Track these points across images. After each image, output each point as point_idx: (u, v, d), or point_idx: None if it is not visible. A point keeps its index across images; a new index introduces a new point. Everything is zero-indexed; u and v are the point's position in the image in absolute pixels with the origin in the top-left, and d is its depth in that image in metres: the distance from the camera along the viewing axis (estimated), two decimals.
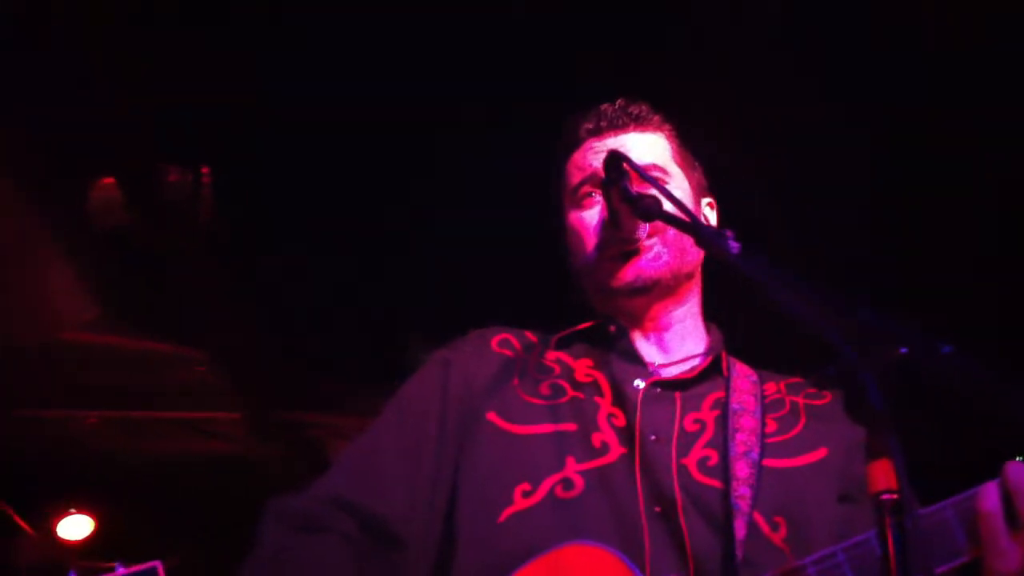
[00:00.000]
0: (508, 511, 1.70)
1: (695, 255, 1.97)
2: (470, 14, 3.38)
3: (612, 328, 1.95)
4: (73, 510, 5.80)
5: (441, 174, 3.96)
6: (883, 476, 1.21)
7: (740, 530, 1.63)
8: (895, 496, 1.20)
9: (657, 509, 1.66)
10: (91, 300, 4.45)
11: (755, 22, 3.38)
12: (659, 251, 1.90)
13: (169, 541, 5.26)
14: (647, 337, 1.95)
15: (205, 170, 4.21)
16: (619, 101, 2.04)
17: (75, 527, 5.84)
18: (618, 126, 2.01)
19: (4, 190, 3.84)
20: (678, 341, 1.96)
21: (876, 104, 3.55)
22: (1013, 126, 3.45)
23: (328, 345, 4.67)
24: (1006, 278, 3.89)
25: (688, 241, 1.88)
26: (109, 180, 4.11)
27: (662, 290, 1.93)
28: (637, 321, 1.96)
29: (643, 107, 2.04)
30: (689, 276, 1.98)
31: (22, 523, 5.54)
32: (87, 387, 5.03)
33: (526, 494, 1.71)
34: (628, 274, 1.90)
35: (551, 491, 1.70)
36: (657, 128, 2.04)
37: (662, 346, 1.95)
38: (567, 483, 1.71)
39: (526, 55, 3.46)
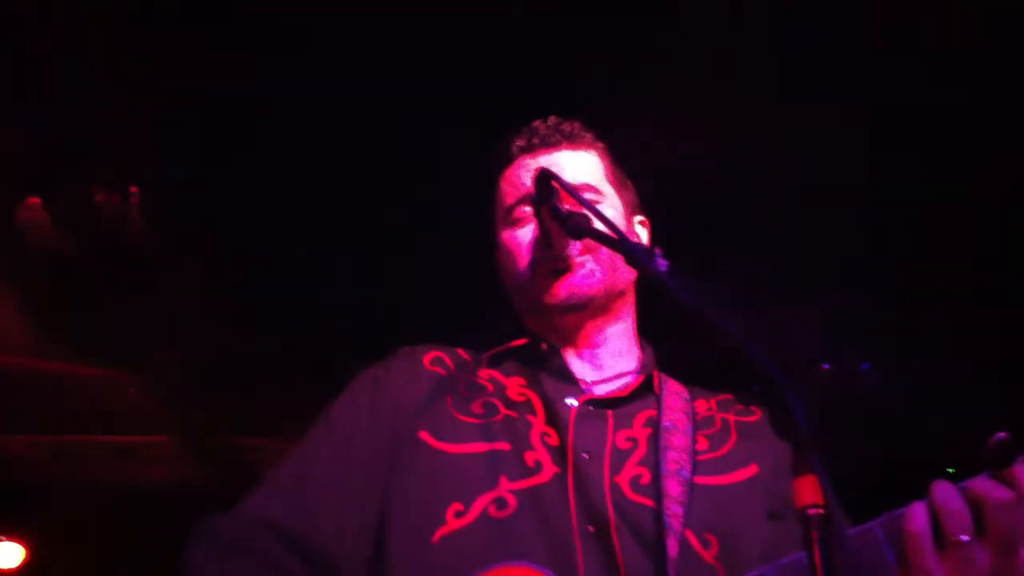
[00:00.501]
0: (441, 531, 1.68)
1: (628, 273, 1.97)
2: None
3: (544, 346, 1.95)
4: (2, 537, 5.68)
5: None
6: (809, 491, 1.22)
7: (672, 548, 1.62)
8: (821, 511, 1.21)
9: (591, 528, 1.66)
10: (20, 322, 4.37)
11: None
12: (591, 268, 1.91)
13: (102, 567, 5.16)
14: (580, 355, 1.95)
15: (134, 189, 4.16)
16: (551, 118, 2.05)
17: (5, 554, 5.72)
18: (550, 144, 2.02)
19: None
20: (611, 359, 1.96)
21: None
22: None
23: (263, 367, 4.62)
24: (1006, 280, 3.92)
25: (620, 259, 1.89)
26: (35, 200, 4.05)
27: (595, 308, 1.93)
28: (570, 339, 1.95)
29: (576, 125, 2.05)
30: (622, 293, 1.98)
31: None
32: (17, 411, 4.93)
33: (458, 514, 1.69)
34: (561, 291, 1.90)
35: (484, 511, 1.68)
36: (589, 146, 2.05)
37: (595, 364, 1.95)
38: (500, 502, 1.69)
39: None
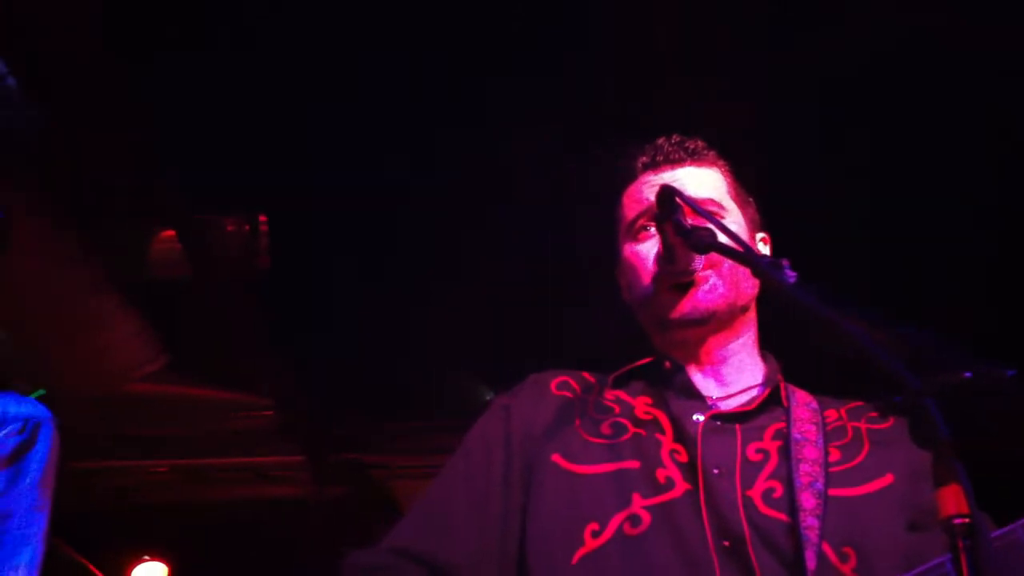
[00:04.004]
0: (580, 552, 1.71)
1: (750, 287, 1.98)
2: None
3: (668, 364, 1.96)
4: (147, 557, 5.89)
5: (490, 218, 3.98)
6: (953, 501, 1.21)
7: (810, 562, 1.62)
8: (967, 520, 1.19)
9: (726, 543, 1.66)
10: (155, 351, 4.54)
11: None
12: (714, 283, 1.91)
13: None
14: (704, 371, 1.96)
15: (263, 218, 4.30)
16: (675, 136, 2.07)
17: (150, 574, 5.93)
18: (673, 160, 2.04)
19: (67, 244, 3.95)
20: (735, 373, 1.96)
21: None
22: None
23: (386, 387, 4.71)
24: None
25: (743, 273, 1.90)
26: (169, 233, 4.21)
27: (718, 322, 1.94)
28: (693, 355, 1.97)
29: (699, 143, 2.07)
30: (744, 308, 1.99)
31: (98, 573, 5.61)
32: (154, 437, 5.11)
33: (595, 534, 1.71)
34: (684, 306, 1.91)
35: (619, 529, 1.71)
36: (712, 164, 2.07)
37: (719, 379, 1.96)
38: (634, 520, 1.71)
39: None
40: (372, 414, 4.98)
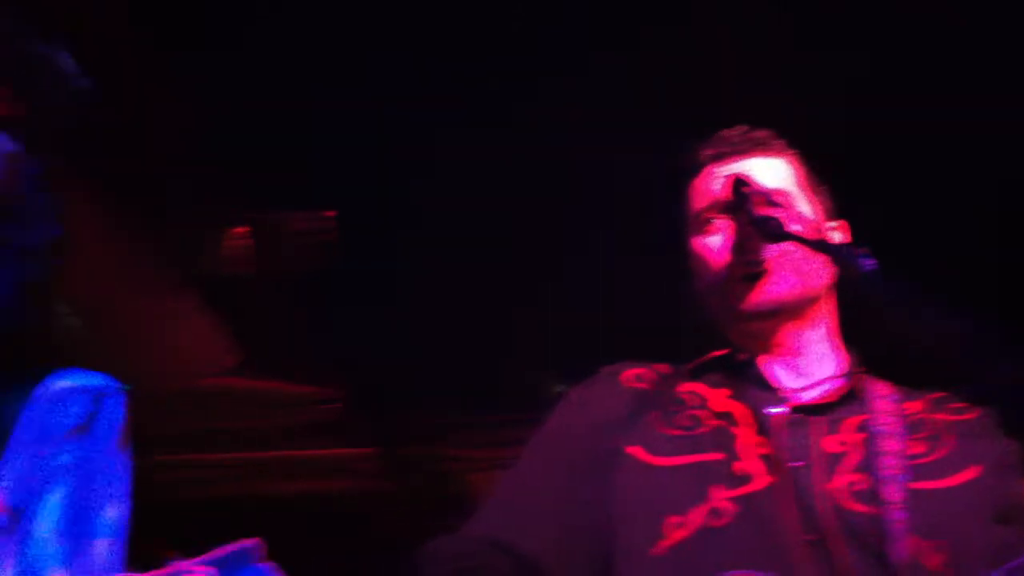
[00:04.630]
0: (662, 545, 1.70)
1: (824, 276, 1.94)
2: None
3: (743, 356, 1.95)
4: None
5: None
6: None
7: (898, 556, 1.60)
8: None
9: (810, 537, 1.65)
10: (229, 347, 4.62)
11: None
12: (785, 273, 1.89)
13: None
14: (781, 362, 1.94)
15: (330, 214, 4.34)
16: (741, 127, 2.05)
17: None
18: (741, 151, 2.01)
19: (143, 244, 4.03)
20: (813, 364, 1.94)
21: None
22: None
23: (459, 379, 4.73)
24: None
25: (816, 263, 1.88)
26: (241, 230, 4.29)
27: (790, 313, 1.91)
28: (768, 346, 1.94)
29: (766, 132, 2.05)
30: (818, 297, 1.96)
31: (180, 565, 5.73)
32: (231, 430, 5.20)
33: (676, 527, 1.71)
34: (756, 297, 1.89)
35: (701, 522, 1.70)
36: (780, 153, 2.04)
37: (797, 370, 1.93)
38: (716, 513, 1.71)
39: None
40: (444, 407, 5.00)
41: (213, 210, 4.20)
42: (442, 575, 1.80)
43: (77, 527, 1.67)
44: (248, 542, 1.20)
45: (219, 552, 1.18)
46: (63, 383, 1.77)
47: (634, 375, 1.98)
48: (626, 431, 1.85)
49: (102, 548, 1.68)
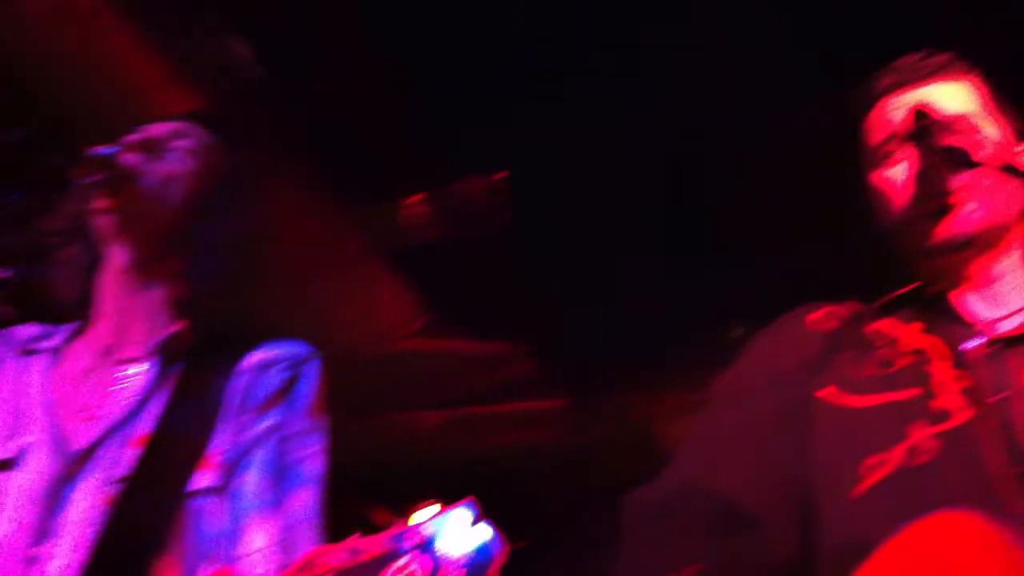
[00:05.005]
0: (863, 485, 1.69)
1: (1016, 203, 1.87)
2: None
3: (934, 289, 1.89)
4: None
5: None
6: None
7: None
8: None
9: (1017, 469, 1.60)
10: (417, 310, 4.77)
11: None
12: (975, 203, 1.82)
13: (511, 527, 5.52)
14: (974, 294, 1.88)
15: (502, 175, 4.41)
16: (918, 53, 1.97)
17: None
18: (919, 78, 1.94)
19: (333, 217, 4.21)
20: (1008, 294, 1.87)
21: None
22: None
23: (645, 328, 4.74)
24: None
25: (1006, 190, 1.80)
26: (420, 196, 4.40)
27: (982, 244, 1.85)
28: (960, 278, 1.88)
29: (946, 56, 1.96)
30: (1011, 225, 1.88)
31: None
32: (425, 389, 5.36)
33: (876, 467, 1.69)
34: (944, 230, 1.84)
35: (901, 461, 1.67)
36: (961, 77, 1.95)
37: (991, 301, 1.87)
38: (916, 451, 1.67)
39: None
40: (631, 355, 5.02)
41: (392, 180, 4.33)
42: (643, 523, 1.83)
43: (280, 483, 1.82)
44: (464, 501, 1.26)
45: (437, 513, 1.24)
46: (264, 353, 1.93)
47: (820, 316, 1.96)
48: (817, 374, 1.83)
49: (302, 502, 1.82)
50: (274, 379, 1.91)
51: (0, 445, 1.80)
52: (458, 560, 1.19)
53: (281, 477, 1.82)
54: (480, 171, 4.30)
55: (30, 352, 1.95)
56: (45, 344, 1.96)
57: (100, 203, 1.91)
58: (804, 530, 1.75)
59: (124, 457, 1.77)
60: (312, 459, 1.88)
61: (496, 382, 5.23)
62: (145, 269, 1.96)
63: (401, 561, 1.21)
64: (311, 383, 1.93)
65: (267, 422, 1.87)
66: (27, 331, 2.00)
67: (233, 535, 1.75)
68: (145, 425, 1.82)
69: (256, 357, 1.93)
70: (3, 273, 1.50)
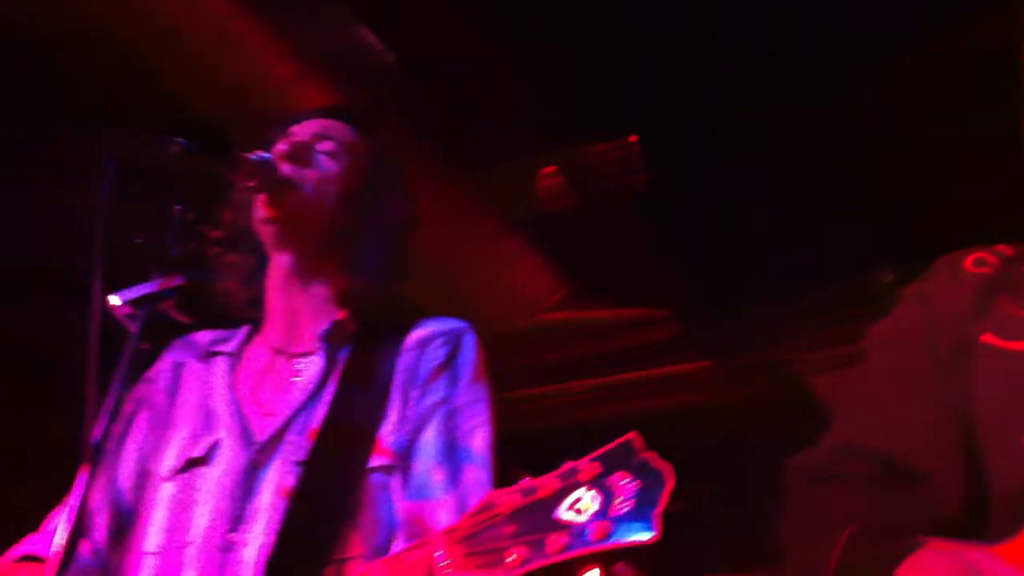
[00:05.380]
0: None
1: None
2: None
3: None
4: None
5: None
6: None
7: None
8: None
9: None
10: (556, 282, 4.80)
11: None
12: None
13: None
14: None
15: (633, 139, 4.39)
16: None
17: None
18: None
19: (471, 194, 4.27)
20: None
21: None
22: None
23: (787, 282, 4.67)
24: None
25: None
26: (550, 168, 4.42)
27: None
28: None
29: None
30: None
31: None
32: (569, 360, 5.40)
33: None
34: None
35: None
36: None
37: None
38: None
39: None
40: (773, 309, 4.95)
41: (524, 152, 4.36)
42: (807, 485, 1.81)
43: (451, 457, 1.88)
44: (628, 436, 1.29)
45: (603, 449, 1.28)
46: (422, 331, 2.01)
47: (975, 260, 1.89)
48: (977, 320, 1.77)
49: (474, 474, 1.87)
50: (435, 354, 1.98)
51: (192, 444, 1.93)
52: (627, 491, 1.23)
53: (452, 453, 1.88)
54: (610, 136, 4.30)
55: (212, 355, 2.09)
56: (224, 347, 2.10)
57: (261, 213, 2.02)
58: (969, 482, 1.71)
59: (304, 444, 1.87)
60: (480, 431, 1.94)
61: (640, 348, 5.23)
62: (308, 268, 2.07)
63: (573, 496, 1.26)
64: (470, 355, 1.99)
65: (433, 397, 1.94)
66: (206, 336, 2.14)
67: (411, 512, 1.82)
68: (321, 411, 1.92)
69: (416, 335, 2.01)
70: (176, 280, 1.60)
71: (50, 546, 1.79)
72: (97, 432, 1.48)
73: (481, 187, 4.29)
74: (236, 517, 1.81)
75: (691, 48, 3.75)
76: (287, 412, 1.93)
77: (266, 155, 1.90)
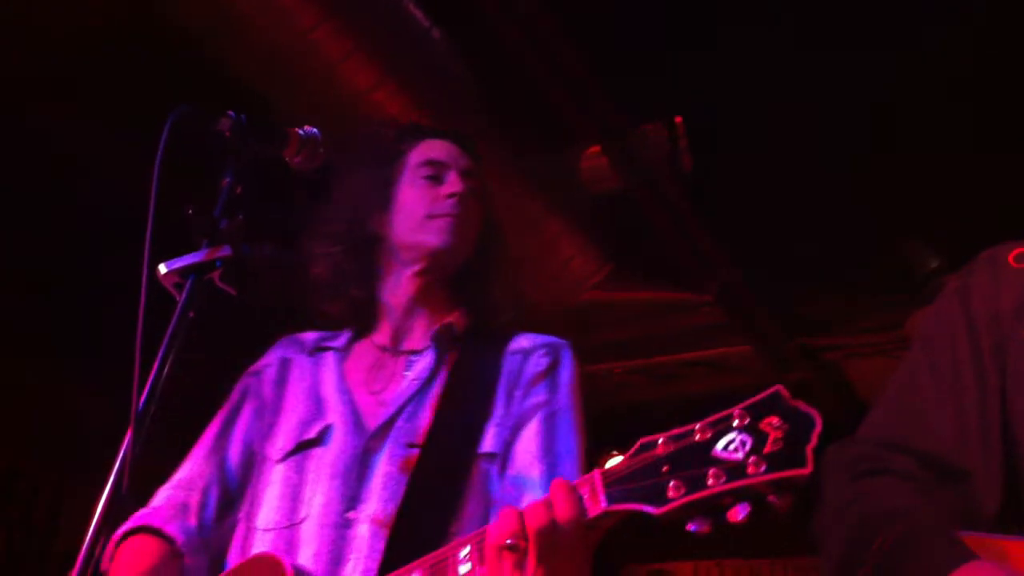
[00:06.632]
0: None
1: None
2: None
3: None
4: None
5: None
6: None
7: None
8: None
9: None
10: (600, 262, 4.81)
11: None
12: None
13: None
14: None
15: (678, 120, 4.38)
16: None
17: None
18: None
19: (512, 178, 4.29)
20: None
21: None
22: None
23: (830, 266, 4.65)
24: None
25: None
26: (595, 149, 4.43)
27: None
28: None
29: None
30: None
31: None
32: (610, 341, 5.42)
33: None
34: None
35: None
36: None
37: None
38: None
39: None
40: (819, 295, 4.93)
41: (568, 134, 4.37)
42: (844, 481, 1.81)
43: (548, 454, 1.99)
44: (775, 388, 1.37)
45: (752, 399, 1.36)
46: (526, 340, 2.15)
47: (1017, 255, 1.87)
48: (1017, 316, 1.75)
49: (569, 471, 1.97)
50: (539, 361, 2.10)
51: (304, 428, 2.06)
52: (780, 431, 1.31)
53: (549, 450, 1.98)
54: (656, 118, 4.29)
55: (320, 350, 2.22)
56: (332, 343, 2.23)
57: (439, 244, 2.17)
58: (1009, 479, 1.70)
59: (415, 429, 2.00)
60: (575, 434, 2.04)
61: (682, 330, 5.24)
62: (431, 292, 2.21)
63: (727, 438, 1.35)
64: (569, 366, 2.12)
65: (535, 398, 2.05)
66: (312, 335, 2.28)
67: (508, 501, 1.90)
68: (430, 402, 2.05)
69: (519, 343, 2.15)
70: (224, 251, 1.64)
71: (159, 520, 2.01)
72: (143, 399, 1.51)
73: (527, 167, 4.30)
74: (352, 497, 1.93)
75: (740, 28, 3.74)
76: (399, 401, 2.06)
77: (313, 130, 1.93)
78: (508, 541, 1.49)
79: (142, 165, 1.61)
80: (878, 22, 3.61)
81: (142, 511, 2.06)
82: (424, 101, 3.74)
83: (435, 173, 2.22)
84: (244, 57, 3.59)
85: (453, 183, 2.19)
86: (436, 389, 2.07)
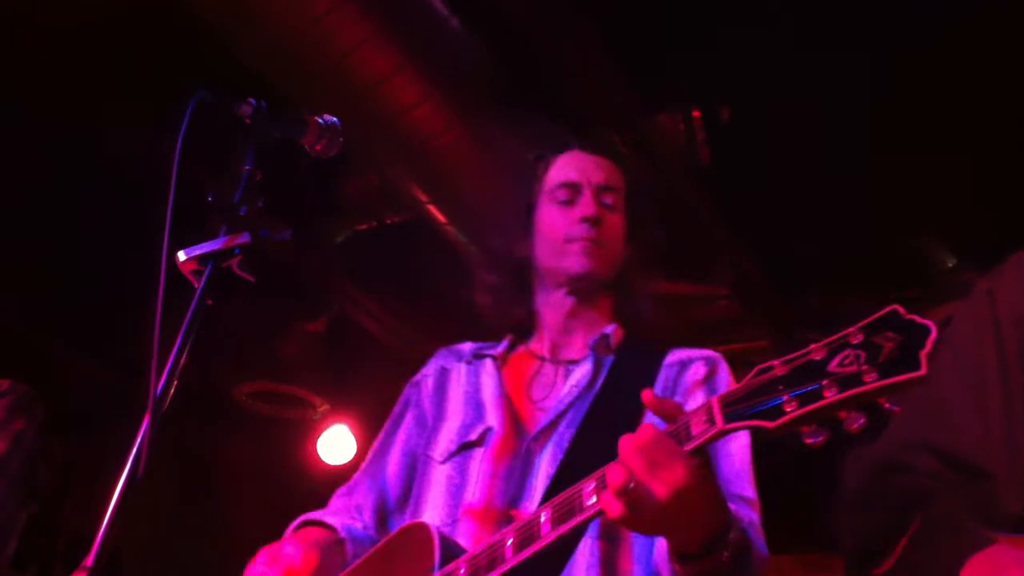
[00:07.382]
0: None
1: None
2: None
3: None
4: None
5: None
6: None
7: None
8: None
9: None
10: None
11: None
12: None
13: None
14: None
15: (696, 113, 4.35)
16: None
17: None
18: None
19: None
20: None
21: None
22: None
23: (849, 261, 4.63)
24: None
25: None
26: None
27: None
28: None
29: None
30: None
31: None
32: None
33: None
34: None
35: None
36: None
37: None
38: None
39: None
40: (833, 289, 4.91)
41: (586, 124, 4.35)
42: (867, 479, 1.80)
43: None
44: (893, 307, 1.39)
45: (868, 319, 1.39)
46: (683, 352, 2.20)
47: None
48: None
49: (729, 470, 2.03)
50: (697, 371, 2.15)
51: (466, 431, 2.14)
52: (896, 341, 1.34)
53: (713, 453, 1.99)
54: (673, 110, 4.27)
55: (479, 358, 2.29)
56: (490, 352, 2.29)
57: (578, 269, 2.23)
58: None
59: (571, 434, 2.06)
60: (735, 439, 2.07)
61: (697, 323, 5.22)
62: (585, 306, 2.26)
63: (843, 354, 1.38)
64: (725, 376, 2.16)
65: (694, 404, 2.04)
66: (469, 345, 2.36)
67: None
68: (589, 408, 2.11)
69: (676, 356, 2.20)
70: (243, 238, 1.63)
71: (325, 516, 2.16)
72: (160, 385, 1.51)
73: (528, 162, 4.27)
74: (515, 496, 2.00)
75: (756, 22, 3.71)
76: (559, 408, 2.12)
77: (333, 119, 1.91)
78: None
79: (156, 152, 1.60)
80: (878, 22, 3.57)
81: (315, 511, 2.23)
82: (440, 90, 3.72)
83: (569, 197, 2.25)
84: (256, 43, 3.57)
85: (586, 205, 2.23)
86: (594, 395, 2.13)
